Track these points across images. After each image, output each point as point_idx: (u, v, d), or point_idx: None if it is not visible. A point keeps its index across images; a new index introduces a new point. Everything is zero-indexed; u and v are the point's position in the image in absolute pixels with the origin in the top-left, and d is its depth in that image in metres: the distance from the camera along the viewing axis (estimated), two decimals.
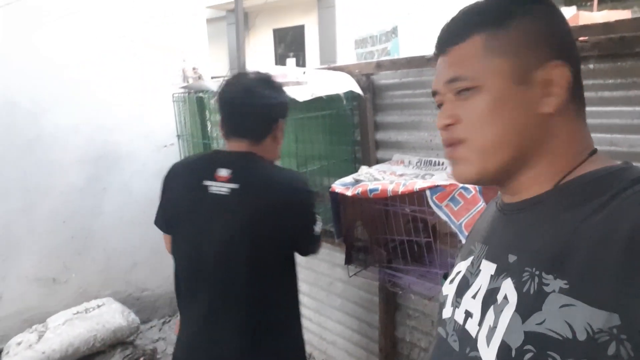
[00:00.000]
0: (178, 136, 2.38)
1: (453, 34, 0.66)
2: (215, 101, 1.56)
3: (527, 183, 0.64)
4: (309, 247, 1.49)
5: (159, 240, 3.42)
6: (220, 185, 1.33)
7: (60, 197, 2.88)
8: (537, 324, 0.52)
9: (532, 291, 0.54)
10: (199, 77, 2.45)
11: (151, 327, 3.15)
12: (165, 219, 1.48)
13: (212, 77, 2.70)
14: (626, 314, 0.46)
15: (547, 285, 0.53)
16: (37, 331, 2.55)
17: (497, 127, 0.61)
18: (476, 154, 0.63)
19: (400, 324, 2.18)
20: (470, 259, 0.72)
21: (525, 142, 0.62)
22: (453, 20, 0.67)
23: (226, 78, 1.45)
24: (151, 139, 3.11)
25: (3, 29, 2.61)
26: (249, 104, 1.35)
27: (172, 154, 2.99)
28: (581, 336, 0.48)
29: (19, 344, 2.47)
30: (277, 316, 1.41)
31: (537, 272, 0.55)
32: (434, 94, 0.70)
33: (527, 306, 0.54)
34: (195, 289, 1.39)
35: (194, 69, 2.60)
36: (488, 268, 0.65)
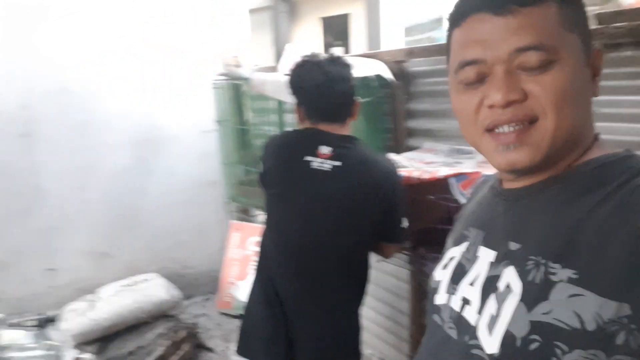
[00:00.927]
0: (218, 122, 2.47)
1: None
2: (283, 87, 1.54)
3: (543, 169, 0.59)
4: (397, 235, 1.48)
5: (202, 221, 3.58)
6: (321, 162, 1.37)
7: (110, 178, 3.08)
8: (543, 314, 0.51)
9: (537, 280, 0.53)
10: (238, 66, 2.53)
11: (193, 303, 3.30)
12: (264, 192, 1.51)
13: (255, 66, 2.78)
14: (637, 303, 0.46)
15: (555, 274, 0.51)
16: (89, 300, 2.76)
17: (574, 107, 0.56)
18: (549, 137, 0.55)
19: None
20: (465, 244, 0.69)
21: (581, 127, 0.58)
22: None
23: (295, 63, 1.45)
24: (194, 124, 3.24)
25: (61, 18, 2.80)
26: (336, 90, 1.38)
27: (214, 139, 3.12)
28: (590, 326, 0.47)
29: (73, 310, 2.68)
30: (355, 297, 1.46)
31: (543, 261, 0.53)
32: (474, 62, 0.58)
33: (533, 295, 0.52)
34: (286, 260, 1.40)
35: (234, 57, 2.69)
36: (487, 255, 0.63)
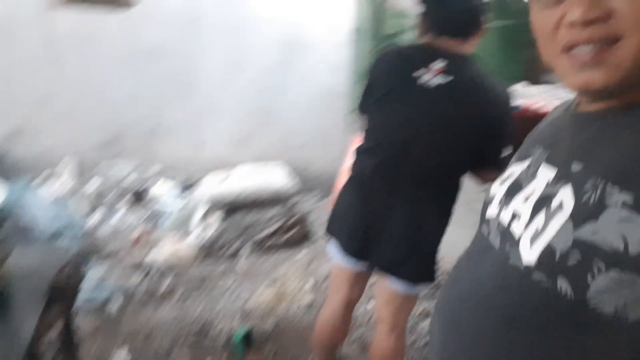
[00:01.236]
0: (356, 31, 2.53)
1: None
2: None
3: (622, 93, 0.56)
4: (496, 163, 1.43)
5: (328, 127, 3.81)
6: (433, 76, 1.37)
7: (254, 75, 3.44)
8: (589, 233, 0.51)
9: (591, 201, 0.52)
10: None
11: (309, 198, 3.61)
12: (366, 101, 1.53)
13: None
14: None
15: (610, 197, 0.50)
16: (224, 175, 3.21)
17: None
18: (630, 58, 0.52)
19: None
20: (528, 161, 0.69)
21: None
22: None
23: None
24: (333, 33, 3.37)
25: None
26: (462, 5, 1.37)
27: (350, 49, 3.21)
28: (634, 250, 0.47)
29: (210, 180, 3.16)
30: (442, 212, 1.48)
31: (602, 183, 0.52)
32: None
33: (583, 214, 0.52)
34: (380, 171, 1.45)
35: None
36: (547, 173, 0.62)
